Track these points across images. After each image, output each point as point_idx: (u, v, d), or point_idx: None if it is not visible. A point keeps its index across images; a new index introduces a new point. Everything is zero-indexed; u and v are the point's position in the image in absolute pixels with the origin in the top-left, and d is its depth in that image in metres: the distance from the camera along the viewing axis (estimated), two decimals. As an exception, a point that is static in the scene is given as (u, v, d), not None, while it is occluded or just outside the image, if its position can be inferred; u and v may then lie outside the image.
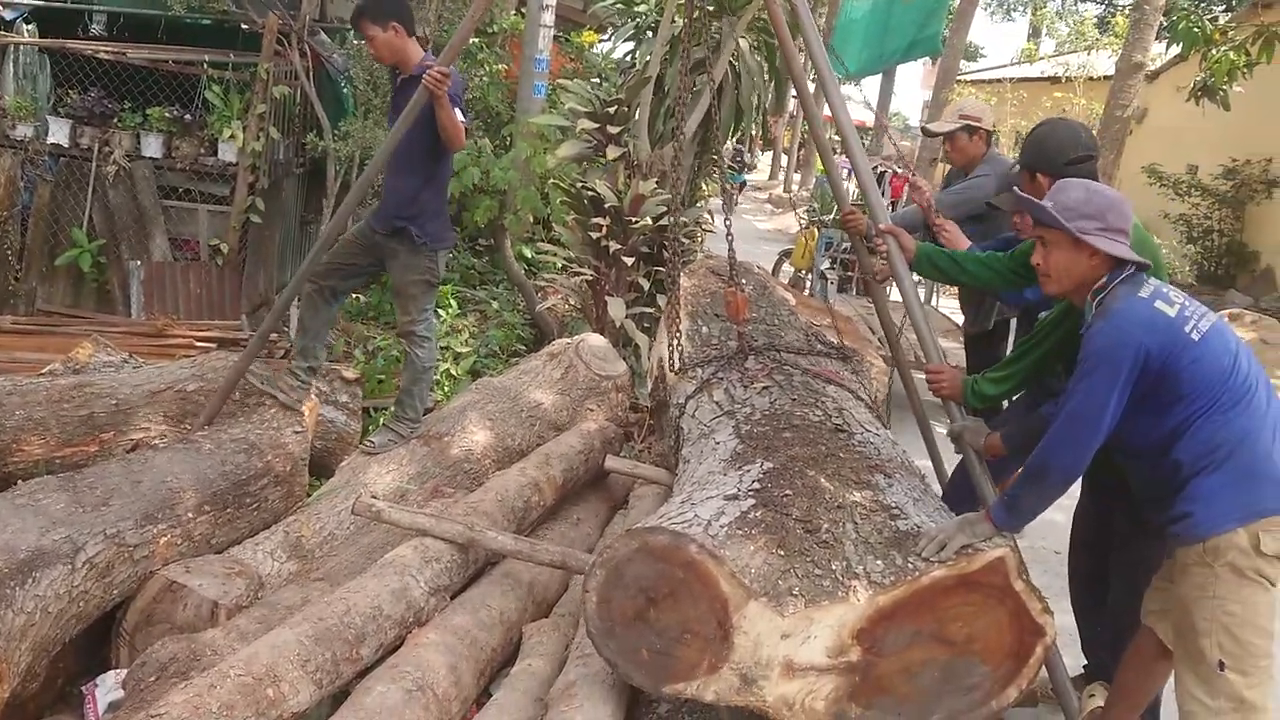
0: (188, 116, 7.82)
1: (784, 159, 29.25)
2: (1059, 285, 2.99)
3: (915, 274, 3.88)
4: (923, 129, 4.97)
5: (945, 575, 2.60)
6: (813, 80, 4.97)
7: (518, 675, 3.26)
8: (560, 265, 7.14)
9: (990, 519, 2.78)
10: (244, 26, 7.99)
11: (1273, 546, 2.72)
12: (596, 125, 6.91)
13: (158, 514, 3.66)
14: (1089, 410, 2.73)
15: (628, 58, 10.32)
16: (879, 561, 2.62)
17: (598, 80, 10.82)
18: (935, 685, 2.66)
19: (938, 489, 4.17)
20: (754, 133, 10.57)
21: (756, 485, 2.90)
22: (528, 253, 8.40)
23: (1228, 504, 2.75)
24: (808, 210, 11.68)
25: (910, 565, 2.61)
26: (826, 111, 4.24)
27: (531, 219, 8.16)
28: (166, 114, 7.78)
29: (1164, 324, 2.75)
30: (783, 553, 2.61)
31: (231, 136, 7.71)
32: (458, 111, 4.41)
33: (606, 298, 6.63)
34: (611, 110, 6.89)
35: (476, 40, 9.06)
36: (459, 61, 8.21)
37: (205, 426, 4.44)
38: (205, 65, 7.86)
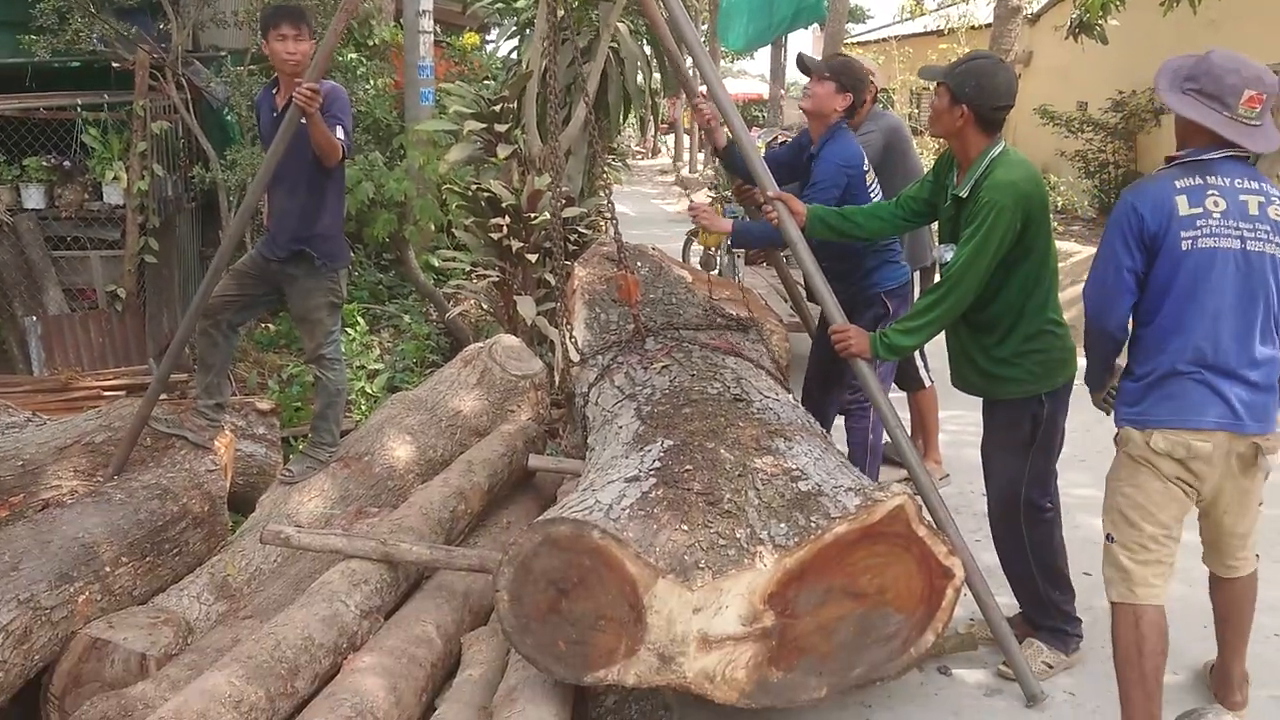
0: (67, 163, 7.55)
1: (685, 139, 29.36)
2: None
3: (810, 236, 3.89)
4: (799, 56, 4.90)
5: (848, 530, 2.67)
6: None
7: (459, 686, 3.22)
8: (466, 270, 7.10)
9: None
10: (115, 65, 7.74)
11: (1162, 445, 2.90)
12: (484, 126, 6.87)
13: (73, 572, 3.58)
14: (1102, 267, 2.97)
15: (513, 55, 10.29)
16: (782, 524, 2.66)
17: (487, 81, 10.76)
18: (853, 639, 2.73)
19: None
20: (648, 115, 10.54)
21: (657, 464, 2.92)
22: (434, 261, 8.33)
23: (1133, 406, 2.98)
24: (711, 187, 11.73)
25: (813, 524, 2.66)
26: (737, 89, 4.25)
27: (433, 227, 8.09)
28: (45, 163, 7.51)
29: (1168, 209, 2.85)
30: (686, 527, 2.64)
31: (115, 178, 7.45)
32: (339, 129, 4.36)
33: (515, 297, 6.60)
34: (497, 109, 6.86)
35: (357, 55, 8.94)
36: (338, 76, 8.12)
37: (114, 476, 4.36)
38: (79, 109, 7.60)
